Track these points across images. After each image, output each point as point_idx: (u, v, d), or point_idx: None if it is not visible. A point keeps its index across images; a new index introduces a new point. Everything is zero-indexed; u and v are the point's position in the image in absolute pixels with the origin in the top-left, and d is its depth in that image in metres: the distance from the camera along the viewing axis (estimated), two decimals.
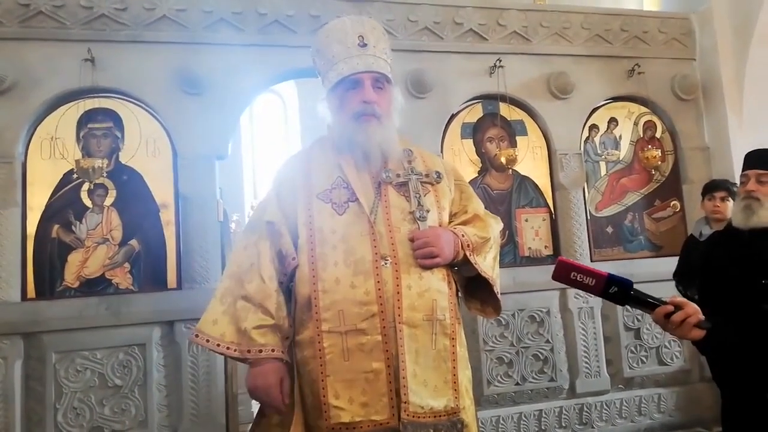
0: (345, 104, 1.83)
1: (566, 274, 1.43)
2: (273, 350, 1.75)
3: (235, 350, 1.76)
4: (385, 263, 1.73)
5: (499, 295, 1.91)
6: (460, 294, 1.95)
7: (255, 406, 5.67)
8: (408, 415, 1.65)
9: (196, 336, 1.79)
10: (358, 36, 1.83)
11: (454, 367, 1.76)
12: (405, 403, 1.65)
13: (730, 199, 3.54)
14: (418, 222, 1.81)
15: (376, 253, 1.73)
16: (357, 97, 1.80)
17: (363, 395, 1.67)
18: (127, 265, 3.60)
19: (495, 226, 2.00)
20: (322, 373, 1.69)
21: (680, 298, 1.48)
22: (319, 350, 1.71)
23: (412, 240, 1.77)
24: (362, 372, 1.68)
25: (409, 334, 1.70)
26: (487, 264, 1.89)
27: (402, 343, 1.67)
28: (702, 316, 1.43)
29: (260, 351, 1.74)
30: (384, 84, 1.86)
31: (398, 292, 1.71)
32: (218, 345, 1.77)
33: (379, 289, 1.71)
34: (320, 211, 1.80)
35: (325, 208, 1.80)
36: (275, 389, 1.73)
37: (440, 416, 1.70)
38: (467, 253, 1.83)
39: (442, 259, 1.78)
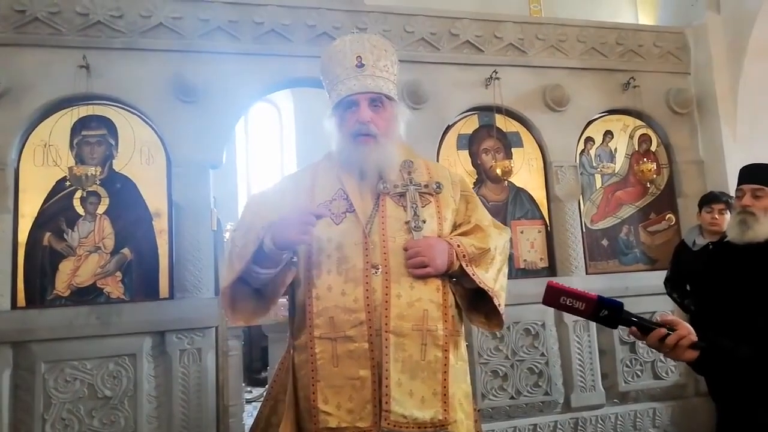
0: (343, 124, 1.89)
1: (556, 298, 1.43)
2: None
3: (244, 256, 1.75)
4: (376, 272, 1.74)
5: (501, 308, 1.88)
6: (460, 306, 1.92)
7: (246, 418, 5.58)
8: (388, 423, 1.65)
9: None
10: (356, 57, 1.89)
11: (445, 380, 1.74)
12: (386, 411, 1.66)
13: (727, 211, 3.55)
14: (413, 232, 1.81)
15: (368, 262, 1.75)
16: (353, 117, 1.86)
17: (349, 401, 1.69)
18: (118, 274, 3.56)
19: (498, 236, 1.97)
20: (313, 378, 1.72)
21: (671, 317, 1.46)
22: (311, 355, 1.73)
23: (405, 249, 1.78)
24: (349, 378, 1.70)
25: (396, 343, 1.70)
26: (489, 276, 1.86)
27: (387, 352, 1.69)
28: (695, 337, 1.41)
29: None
30: (383, 102, 1.90)
31: (386, 301, 1.72)
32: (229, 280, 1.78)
33: (368, 297, 1.72)
34: (319, 221, 1.81)
35: (324, 218, 1.81)
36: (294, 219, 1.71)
37: (425, 427, 1.69)
38: (463, 264, 1.82)
39: (432, 269, 1.77)
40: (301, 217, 1.70)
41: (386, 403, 1.66)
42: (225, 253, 1.93)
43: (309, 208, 1.76)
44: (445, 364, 1.75)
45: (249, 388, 6.97)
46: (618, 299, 1.44)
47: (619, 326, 1.45)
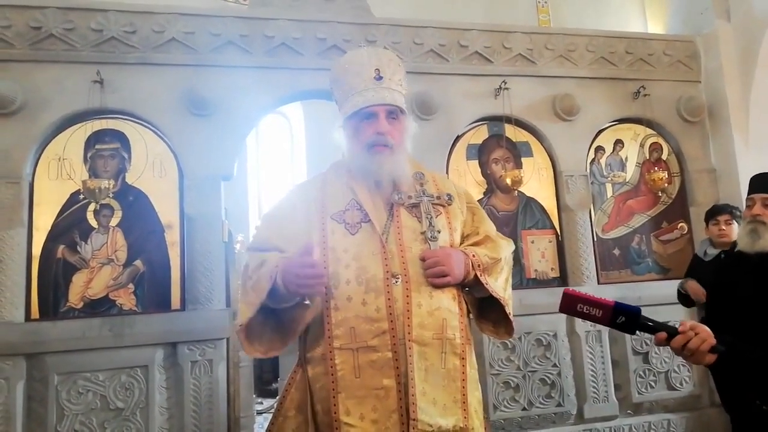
0: (359, 134, 1.89)
1: (572, 305, 1.43)
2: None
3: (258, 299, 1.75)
4: (396, 281, 1.75)
5: (511, 316, 1.92)
6: (471, 315, 1.96)
7: (257, 429, 5.56)
8: None
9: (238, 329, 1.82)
10: (375, 69, 1.90)
11: (463, 387, 1.78)
12: (413, 420, 1.66)
13: (734, 221, 3.59)
14: (429, 242, 1.84)
15: (387, 271, 1.76)
16: (371, 128, 1.86)
17: (373, 412, 1.68)
18: (131, 285, 3.59)
19: (506, 247, 2.01)
20: (333, 389, 1.71)
21: (691, 322, 1.45)
22: (331, 367, 1.72)
23: (423, 259, 1.80)
24: (373, 389, 1.70)
25: (419, 351, 1.71)
26: (499, 285, 1.91)
27: (411, 361, 1.69)
28: (714, 341, 1.40)
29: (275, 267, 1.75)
30: (398, 115, 1.92)
31: (408, 310, 1.73)
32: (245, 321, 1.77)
33: (390, 306, 1.73)
34: (333, 231, 1.84)
35: (338, 228, 1.84)
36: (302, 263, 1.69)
37: None
38: (478, 273, 1.85)
39: (452, 278, 1.80)
40: (306, 271, 1.66)
41: (413, 412, 1.66)
42: (241, 279, 1.90)
43: (306, 260, 1.68)
44: (463, 372, 1.79)
45: (260, 400, 6.97)
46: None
47: (637, 332, 1.43)
